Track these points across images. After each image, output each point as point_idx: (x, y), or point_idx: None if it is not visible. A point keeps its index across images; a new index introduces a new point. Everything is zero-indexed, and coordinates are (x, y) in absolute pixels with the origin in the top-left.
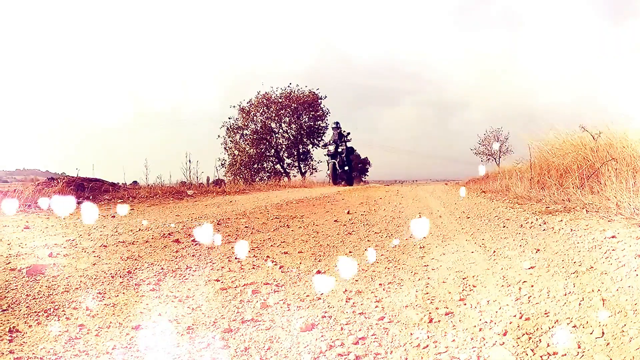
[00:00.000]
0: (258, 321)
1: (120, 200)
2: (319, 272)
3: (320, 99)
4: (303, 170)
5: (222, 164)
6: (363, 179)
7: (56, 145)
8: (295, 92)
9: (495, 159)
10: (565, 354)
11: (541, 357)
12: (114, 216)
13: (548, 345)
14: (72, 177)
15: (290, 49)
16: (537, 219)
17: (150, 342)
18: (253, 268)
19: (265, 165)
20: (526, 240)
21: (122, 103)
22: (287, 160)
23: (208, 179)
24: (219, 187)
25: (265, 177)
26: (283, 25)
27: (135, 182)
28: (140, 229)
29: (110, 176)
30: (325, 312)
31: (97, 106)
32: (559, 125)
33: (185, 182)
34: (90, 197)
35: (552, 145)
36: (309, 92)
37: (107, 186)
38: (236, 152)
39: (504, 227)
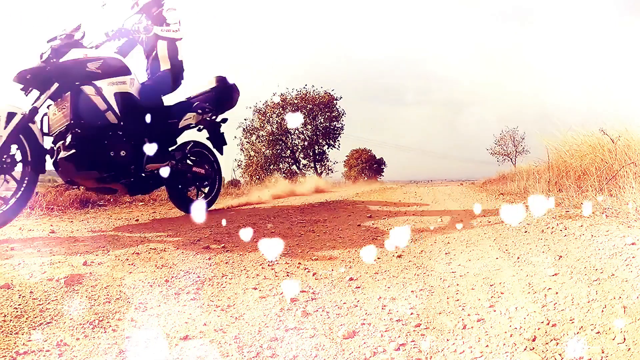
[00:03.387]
0: (301, 329)
1: (141, 203)
2: (351, 279)
3: (336, 99)
4: (319, 171)
5: (238, 165)
6: (378, 179)
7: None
8: (311, 93)
9: (511, 159)
10: (590, 359)
11: None
12: (137, 220)
13: (574, 350)
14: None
15: (301, 49)
16: (557, 224)
17: (201, 352)
18: (287, 275)
19: (281, 166)
20: (548, 247)
21: None
22: (303, 161)
23: (223, 180)
24: (238, 189)
25: (281, 178)
26: (295, 25)
27: None
28: (168, 235)
29: None
30: (364, 320)
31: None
32: (575, 124)
33: None
34: (112, 200)
35: (569, 146)
36: (325, 93)
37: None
38: (252, 153)
39: (526, 232)
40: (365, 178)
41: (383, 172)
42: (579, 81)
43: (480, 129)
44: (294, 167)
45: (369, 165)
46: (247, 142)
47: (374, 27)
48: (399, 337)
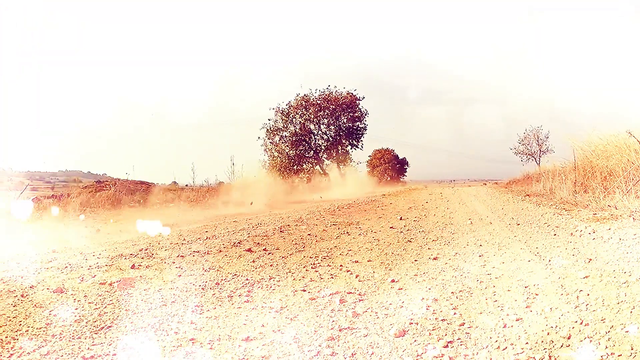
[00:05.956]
0: (354, 329)
1: (172, 205)
2: (393, 280)
3: (359, 99)
4: (342, 172)
5: (262, 165)
6: (401, 179)
7: (92, 146)
8: (334, 94)
9: (535, 158)
10: (621, 355)
11: (601, 357)
12: (171, 221)
13: (606, 347)
14: (122, 180)
15: (319, 51)
16: (586, 227)
17: (264, 352)
18: (332, 277)
19: (304, 166)
20: (578, 250)
21: (148, 104)
22: (327, 162)
23: None
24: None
25: (304, 179)
26: (314, 27)
27: (174, 182)
28: (207, 237)
29: (141, 176)
30: (411, 319)
31: (126, 108)
32: (588, 124)
33: (224, 183)
34: (141, 201)
35: (595, 146)
36: (347, 94)
37: (153, 188)
38: (276, 154)
39: (555, 235)
40: (388, 178)
41: (406, 172)
42: (590, 81)
43: (503, 128)
44: (318, 167)
45: (391, 165)
46: (270, 142)
47: (393, 27)
48: (446, 335)
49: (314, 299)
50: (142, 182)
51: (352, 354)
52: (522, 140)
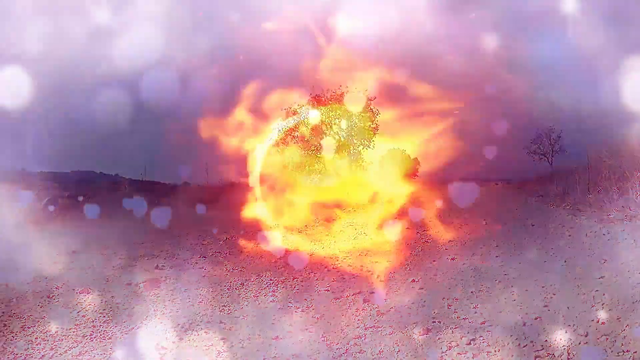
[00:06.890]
0: (379, 327)
1: (181, 203)
2: (413, 280)
3: (370, 99)
4: (354, 172)
5: (275, 166)
6: (413, 179)
7: (98, 146)
8: (346, 94)
9: (548, 158)
10: (636, 352)
11: (618, 353)
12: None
13: (622, 345)
14: (137, 180)
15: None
16: (600, 228)
17: (295, 350)
18: (353, 277)
19: (316, 166)
20: (593, 250)
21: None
22: (338, 162)
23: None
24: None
25: (316, 179)
26: (314, 25)
27: (186, 182)
28: (227, 237)
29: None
30: (434, 318)
31: (127, 108)
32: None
33: (236, 183)
34: (156, 201)
35: (608, 146)
36: None
37: (166, 188)
38: (287, 154)
39: (570, 235)
40: (399, 178)
41: (417, 172)
42: (595, 81)
43: (511, 127)
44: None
45: (403, 165)
46: (282, 142)
47: (399, 24)
48: (468, 333)
49: (338, 298)
50: (155, 183)
51: (379, 352)
52: (535, 140)
